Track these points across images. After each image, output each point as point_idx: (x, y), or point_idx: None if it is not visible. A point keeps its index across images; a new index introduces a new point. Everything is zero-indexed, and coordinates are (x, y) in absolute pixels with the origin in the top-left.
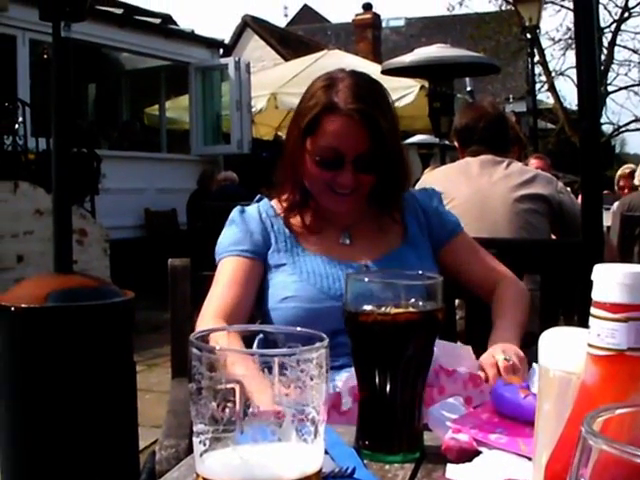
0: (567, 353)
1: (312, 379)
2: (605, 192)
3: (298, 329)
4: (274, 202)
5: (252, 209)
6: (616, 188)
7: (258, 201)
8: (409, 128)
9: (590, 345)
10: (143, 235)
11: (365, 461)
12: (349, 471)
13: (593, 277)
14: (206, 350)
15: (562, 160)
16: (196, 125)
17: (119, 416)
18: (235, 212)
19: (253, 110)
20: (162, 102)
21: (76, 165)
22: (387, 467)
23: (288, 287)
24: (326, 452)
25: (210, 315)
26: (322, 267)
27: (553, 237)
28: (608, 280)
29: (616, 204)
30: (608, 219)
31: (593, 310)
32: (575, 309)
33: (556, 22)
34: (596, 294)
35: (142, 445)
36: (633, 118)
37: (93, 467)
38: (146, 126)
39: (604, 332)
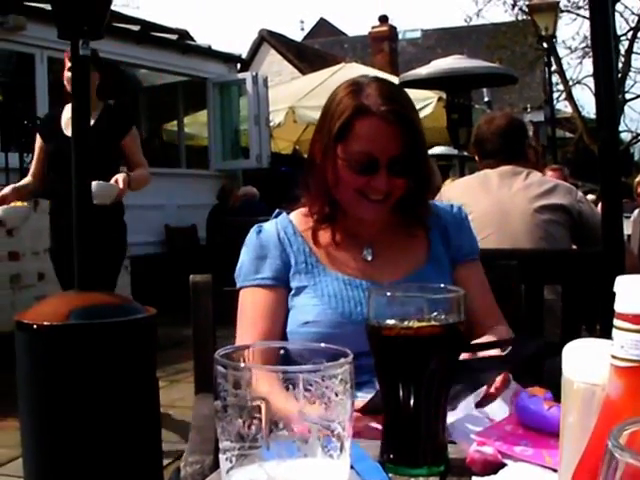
0: (591, 365)
1: (337, 395)
2: (624, 200)
3: (323, 345)
4: (293, 216)
5: (270, 227)
6: (635, 196)
7: (276, 216)
8: (428, 140)
9: (613, 357)
10: (164, 251)
11: (390, 475)
12: None
13: (615, 289)
14: (231, 367)
15: (581, 169)
16: (215, 140)
17: (142, 433)
18: (252, 233)
19: (271, 124)
20: (180, 118)
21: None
22: None
23: (309, 311)
24: (351, 467)
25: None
26: (344, 290)
27: (574, 247)
28: (631, 291)
29: (636, 212)
30: (628, 227)
31: (616, 322)
32: (597, 319)
33: (572, 31)
34: (619, 306)
35: (166, 462)
36: None
37: None
38: (165, 142)
39: (628, 343)
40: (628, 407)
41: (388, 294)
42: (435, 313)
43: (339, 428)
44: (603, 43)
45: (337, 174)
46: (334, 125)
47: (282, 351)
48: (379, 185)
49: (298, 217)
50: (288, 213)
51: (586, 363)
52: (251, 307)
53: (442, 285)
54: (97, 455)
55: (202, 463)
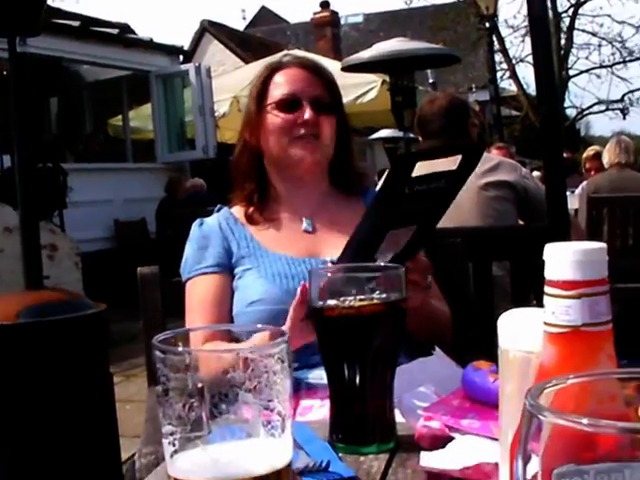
0: (525, 333)
1: (275, 374)
2: (572, 176)
3: (259, 326)
4: (234, 209)
5: (211, 220)
6: (583, 171)
7: (218, 211)
8: (374, 123)
9: (546, 323)
10: (114, 246)
11: (340, 454)
12: (324, 465)
13: (545, 257)
14: (170, 352)
15: (528, 146)
16: (160, 133)
17: (99, 428)
18: (194, 227)
19: (216, 114)
20: (125, 112)
21: (42, 180)
22: (362, 459)
23: (255, 291)
24: (301, 448)
25: (200, 342)
26: (287, 267)
27: (521, 223)
28: (559, 258)
29: (582, 186)
30: (576, 202)
31: (547, 289)
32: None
33: (514, 9)
34: (548, 273)
35: (125, 456)
36: (596, 100)
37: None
38: (111, 137)
39: (558, 310)
40: (562, 372)
41: (328, 275)
42: (377, 291)
43: (279, 407)
44: (540, 20)
45: (266, 132)
46: (255, 91)
47: (220, 333)
48: (307, 117)
49: (238, 209)
50: (230, 207)
51: (521, 332)
52: (197, 296)
53: (382, 263)
54: (53, 454)
55: (156, 453)
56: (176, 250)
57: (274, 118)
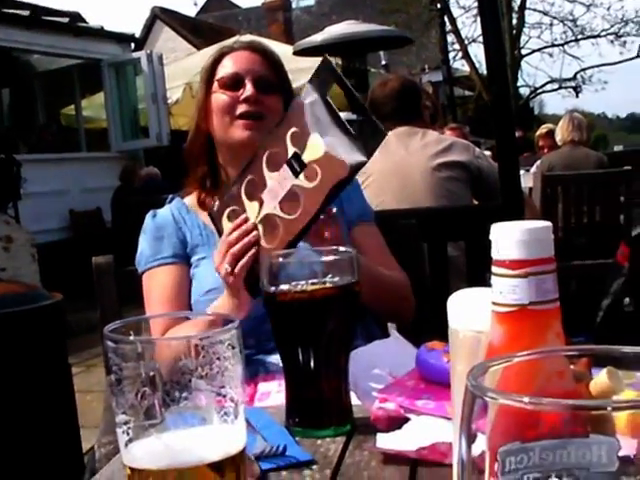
0: (474, 313)
1: (226, 360)
2: (526, 154)
3: (208, 312)
4: (186, 199)
5: (164, 211)
6: (536, 149)
7: (170, 201)
8: None
9: (494, 303)
10: (70, 236)
11: (297, 438)
12: (280, 449)
13: (491, 237)
14: (121, 341)
15: (482, 126)
16: (113, 121)
17: (58, 419)
18: (148, 219)
19: (169, 102)
20: (78, 101)
21: None
22: (319, 442)
23: (210, 280)
24: (258, 433)
25: (160, 332)
26: None
27: (476, 203)
28: (505, 238)
29: (537, 164)
30: (530, 180)
31: (494, 269)
32: None
33: None
34: (495, 252)
35: (87, 446)
36: (548, 79)
37: (36, 472)
38: (64, 127)
39: (506, 289)
40: (510, 351)
41: (280, 260)
42: (329, 275)
43: (232, 393)
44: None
45: (212, 113)
46: (204, 75)
47: (178, 321)
48: (248, 94)
49: (190, 198)
50: (182, 197)
51: (470, 312)
52: (156, 288)
53: (334, 247)
54: (12, 445)
55: (115, 443)
56: (132, 239)
57: (218, 97)
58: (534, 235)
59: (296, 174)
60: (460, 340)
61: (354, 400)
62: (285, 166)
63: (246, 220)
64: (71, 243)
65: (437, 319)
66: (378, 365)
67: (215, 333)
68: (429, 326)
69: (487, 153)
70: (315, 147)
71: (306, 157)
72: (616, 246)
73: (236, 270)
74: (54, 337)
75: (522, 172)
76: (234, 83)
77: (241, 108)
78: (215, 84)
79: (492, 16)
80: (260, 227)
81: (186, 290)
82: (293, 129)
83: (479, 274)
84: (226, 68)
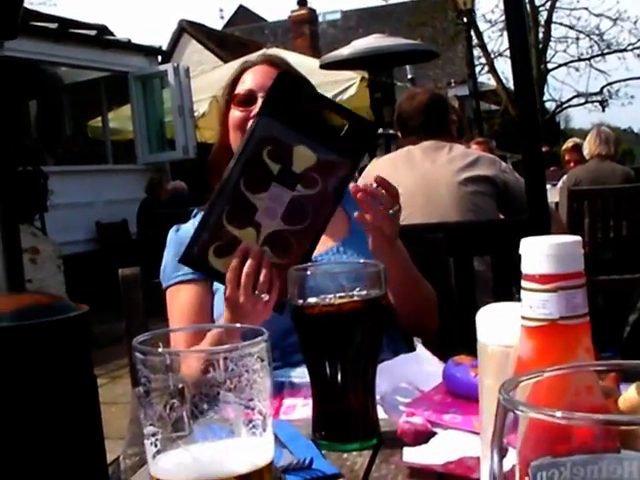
0: (503, 328)
1: (255, 372)
2: (553, 168)
3: (238, 325)
4: None
5: (187, 226)
6: (563, 163)
7: (194, 216)
8: None
9: (523, 317)
10: (96, 248)
11: (323, 451)
12: (307, 462)
13: (521, 251)
14: (150, 353)
15: (509, 140)
16: (140, 134)
17: (83, 432)
18: (171, 233)
19: (196, 114)
20: (104, 113)
21: (22, 184)
22: (345, 456)
23: None
24: (284, 446)
25: (183, 347)
26: None
27: (502, 217)
28: (535, 253)
29: (563, 179)
30: (557, 195)
31: (524, 283)
32: None
33: (492, 4)
34: (525, 267)
35: (111, 458)
36: (575, 94)
37: None
38: (90, 139)
39: (535, 303)
40: (539, 366)
41: (308, 273)
42: (357, 289)
43: (260, 406)
44: (516, 14)
45: (230, 129)
46: (225, 90)
47: (203, 335)
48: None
49: None
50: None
51: (499, 326)
52: (178, 305)
53: (362, 260)
54: (37, 457)
55: (141, 454)
56: (158, 251)
57: (233, 113)
58: (564, 250)
59: (291, 187)
60: (489, 354)
61: (381, 414)
62: (274, 183)
63: (248, 246)
64: (97, 254)
65: (463, 333)
66: (405, 379)
67: (244, 346)
68: (455, 340)
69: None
70: (304, 157)
71: (297, 168)
72: None
73: (272, 295)
74: (80, 348)
75: (548, 186)
76: (247, 99)
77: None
78: (233, 101)
79: (519, 30)
80: (267, 248)
81: (208, 305)
82: (267, 148)
83: (506, 289)
84: (244, 84)
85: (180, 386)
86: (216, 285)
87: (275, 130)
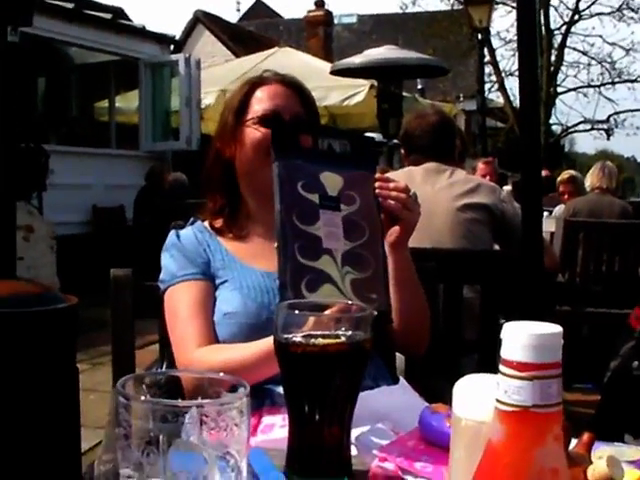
0: (479, 402)
1: (236, 425)
2: (551, 194)
3: (221, 375)
4: (207, 223)
5: (187, 232)
6: (558, 194)
7: (192, 224)
8: (358, 126)
9: (498, 401)
10: (90, 231)
11: None
12: None
13: (502, 335)
14: (133, 399)
15: (511, 159)
16: (145, 121)
17: (60, 424)
18: (171, 237)
19: (202, 106)
20: (112, 97)
21: (23, 161)
22: None
23: (230, 302)
24: (256, 477)
25: (194, 346)
26: (262, 282)
27: (496, 246)
28: (515, 340)
29: (559, 209)
30: (552, 225)
31: (501, 367)
32: (515, 313)
33: (507, 23)
34: (504, 352)
35: (86, 446)
36: (582, 119)
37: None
38: (95, 121)
39: (511, 389)
40: (508, 451)
41: (296, 312)
42: (342, 329)
43: (236, 455)
44: (527, 37)
45: (243, 146)
46: (235, 104)
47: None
48: None
49: (211, 223)
50: (202, 221)
51: (475, 400)
52: (182, 303)
53: (350, 302)
54: (13, 445)
55: (115, 462)
56: (152, 239)
57: (254, 133)
58: (543, 340)
59: (337, 209)
60: (462, 428)
61: (354, 451)
62: (321, 210)
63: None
64: (91, 238)
65: (446, 360)
66: (382, 418)
67: (226, 401)
68: (437, 367)
69: (508, 188)
70: (333, 180)
71: (331, 191)
72: (631, 298)
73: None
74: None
75: (545, 214)
76: (274, 119)
77: None
78: (251, 118)
79: (529, 53)
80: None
81: (211, 307)
82: (300, 183)
83: (492, 317)
84: (263, 103)
85: (159, 435)
86: (216, 293)
87: (296, 167)
